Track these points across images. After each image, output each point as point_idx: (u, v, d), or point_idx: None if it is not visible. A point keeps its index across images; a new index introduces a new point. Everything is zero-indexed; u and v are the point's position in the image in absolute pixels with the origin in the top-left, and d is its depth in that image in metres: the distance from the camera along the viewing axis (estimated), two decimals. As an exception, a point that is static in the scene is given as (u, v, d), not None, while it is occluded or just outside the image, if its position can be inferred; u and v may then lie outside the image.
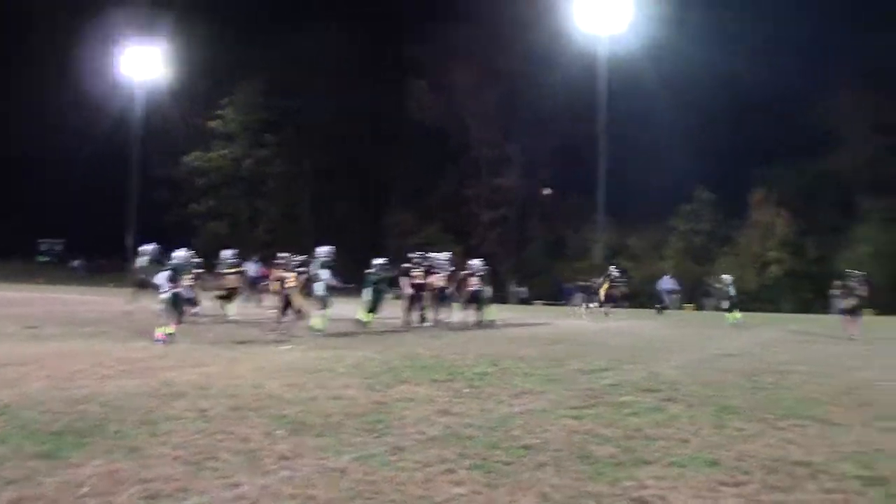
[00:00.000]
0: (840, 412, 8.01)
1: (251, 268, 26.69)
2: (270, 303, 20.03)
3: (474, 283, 20.54)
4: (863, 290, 19.11)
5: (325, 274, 16.79)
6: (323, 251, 17.19)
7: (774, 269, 42.34)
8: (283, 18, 49.55)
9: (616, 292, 26.24)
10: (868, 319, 21.28)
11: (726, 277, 23.96)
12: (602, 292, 25.21)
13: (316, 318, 16.41)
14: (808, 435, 6.84)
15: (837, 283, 20.75)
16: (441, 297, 20.23)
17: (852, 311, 19.19)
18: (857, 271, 19.98)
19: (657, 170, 41.77)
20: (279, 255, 19.81)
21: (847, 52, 41.67)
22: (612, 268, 26.79)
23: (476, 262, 21.16)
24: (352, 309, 18.85)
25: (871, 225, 41.76)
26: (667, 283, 36.50)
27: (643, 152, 42.72)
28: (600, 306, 25.13)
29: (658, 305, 31.74)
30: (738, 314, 23.09)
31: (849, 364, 13.09)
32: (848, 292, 19.32)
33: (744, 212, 45.68)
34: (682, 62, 39.97)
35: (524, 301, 42.25)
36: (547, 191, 51.09)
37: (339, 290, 17.61)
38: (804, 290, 40.72)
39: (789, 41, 40.66)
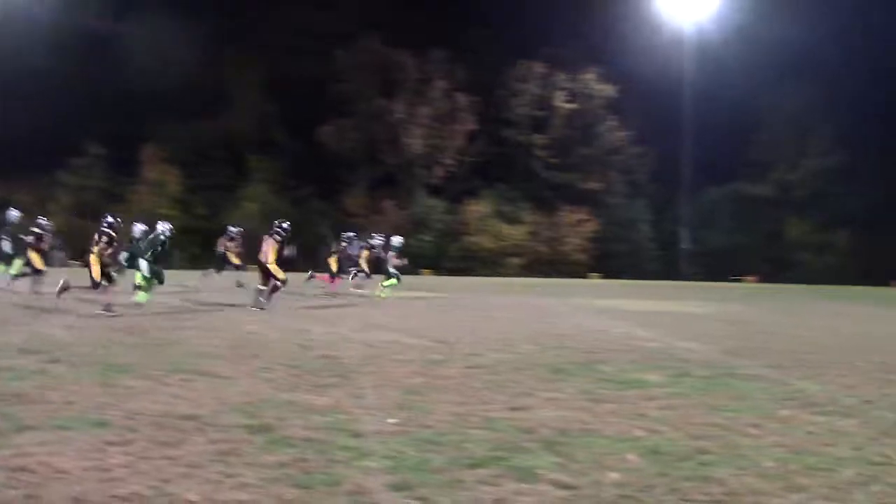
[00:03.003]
0: (228, 366, 8.31)
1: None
2: None
3: None
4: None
5: None
6: None
7: (166, 225, 43.01)
8: None
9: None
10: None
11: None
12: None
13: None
14: (196, 389, 6.91)
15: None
16: None
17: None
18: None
19: (44, 121, 38.87)
20: None
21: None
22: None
23: None
24: None
25: (258, 184, 45.35)
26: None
27: (27, 101, 39.30)
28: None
29: None
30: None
31: (239, 319, 13.87)
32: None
33: (136, 168, 45.56)
34: None
35: None
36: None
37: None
38: (194, 246, 42.16)
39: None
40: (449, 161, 52.82)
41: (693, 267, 51.15)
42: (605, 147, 54.88)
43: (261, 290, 16.04)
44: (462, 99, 52.44)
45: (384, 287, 21.26)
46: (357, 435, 5.51)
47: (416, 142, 51.72)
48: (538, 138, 54.17)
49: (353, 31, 50.37)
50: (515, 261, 50.32)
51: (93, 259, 14.05)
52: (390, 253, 21.53)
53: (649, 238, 54.44)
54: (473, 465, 4.83)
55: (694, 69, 49.56)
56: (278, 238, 16.26)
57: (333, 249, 23.81)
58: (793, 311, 21.09)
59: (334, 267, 22.88)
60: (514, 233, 51.14)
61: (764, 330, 14.69)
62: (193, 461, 4.71)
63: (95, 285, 14.05)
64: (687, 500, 4.27)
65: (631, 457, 5.13)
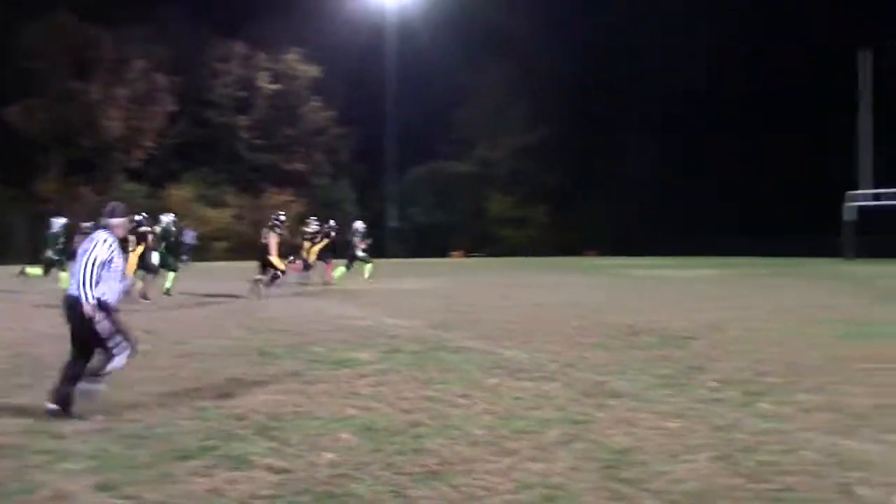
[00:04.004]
0: None
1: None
2: None
3: None
4: None
5: None
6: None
7: None
8: None
9: None
10: None
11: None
12: None
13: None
14: None
15: None
16: None
17: None
18: None
19: None
20: None
21: None
22: None
23: None
24: None
25: None
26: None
27: None
28: None
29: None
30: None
31: None
32: None
33: None
34: None
35: None
36: None
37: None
38: None
39: None
40: (149, 144, 49.92)
41: (400, 244, 52.70)
42: (309, 127, 55.00)
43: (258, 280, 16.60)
44: (162, 79, 49.72)
45: (366, 273, 21.48)
46: (57, 437, 5.10)
47: (113, 124, 48.16)
48: (241, 119, 52.88)
49: (45, 3, 45.65)
50: (221, 245, 48.82)
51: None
52: (355, 238, 21.39)
53: (355, 217, 55.11)
54: (184, 457, 4.65)
55: (396, 49, 50.93)
56: (279, 230, 16.80)
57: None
58: (498, 283, 22.40)
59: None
60: (219, 216, 49.63)
61: (471, 303, 15.40)
62: None
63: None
64: (401, 474, 4.34)
65: (345, 436, 5.16)
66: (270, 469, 4.44)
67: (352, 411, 5.85)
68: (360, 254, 21.38)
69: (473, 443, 4.97)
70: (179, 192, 48.59)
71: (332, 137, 55.85)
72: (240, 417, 5.68)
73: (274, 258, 16.55)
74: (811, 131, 46.39)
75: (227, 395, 6.40)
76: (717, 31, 49.74)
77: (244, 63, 52.99)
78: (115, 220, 6.07)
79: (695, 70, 51.27)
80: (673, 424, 5.44)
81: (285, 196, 50.93)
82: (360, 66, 51.02)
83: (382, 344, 9.34)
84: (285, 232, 17.09)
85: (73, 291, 5.73)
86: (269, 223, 16.99)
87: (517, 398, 6.29)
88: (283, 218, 17.30)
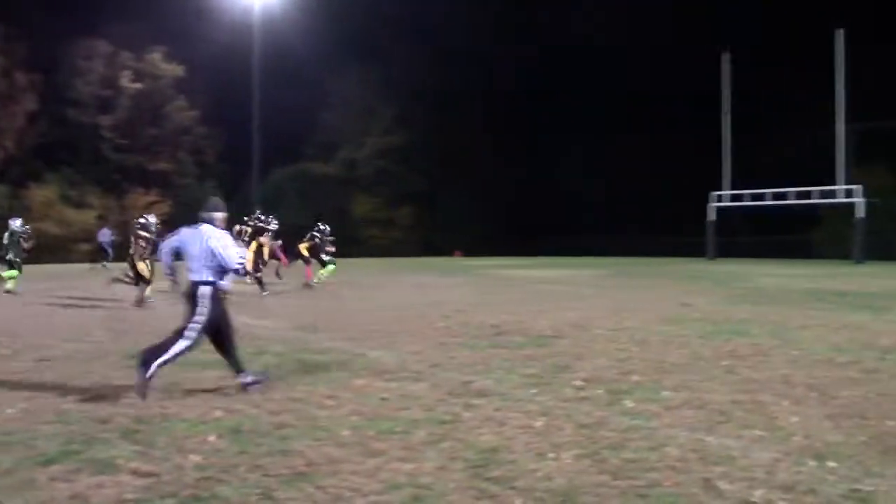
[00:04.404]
0: None
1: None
2: None
3: None
4: None
5: None
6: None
7: None
8: None
9: None
10: None
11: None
12: None
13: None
14: None
15: None
16: None
17: None
18: None
19: None
20: None
21: None
22: None
23: None
24: None
25: None
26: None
27: None
28: None
29: None
30: None
31: None
32: None
33: None
34: None
35: None
36: None
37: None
38: None
39: None
40: (9, 144, 47.13)
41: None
42: (173, 127, 53.55)
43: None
44: (22, 78, 47.07)
45: (324, 274, 21.11)
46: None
47: (-29, 124, 45.27)
48: (105, 119, 50.73)
49: None
50: (84, 247, 46.57)
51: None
52: (326, 239, 21.40)
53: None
54: (46, 463, 4.54)
55: (262, 50, 50.25)
56: (142, 233, 15.90)
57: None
58: (364, 284, 22.45)
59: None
60: (82, 218, 47.41)
61: (336, 304, 15.42)
62: None
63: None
64: (269, 476, 4.36)
65: (212, 438, 5.13)
66: (136, 473, 4.38)
67: (218, 413, 5.81)
68: (326, 257, 21.35)
69: (341, 444, 5.00)
70: (42, 193, 46.31)
71: (198, 138, 54.67)
72: (104, 421, 5.55)
73: (141, 265, 15.42)
74: (682, 132, 48.05)
75: (90, 399, 6.25)
76: (573, 32, 51.73)
77: (107, 62, 51.05)
78: (219, 214, 6.81)
79: (551, 71, 53.18)
80: (539, 423, 5.56)
81: (151, 196, 49.45)
82: (225, 66, 50.22)
83: (248, 346, 9.19)
84: (153, 235, 15.95)
85: (193, 279, 6.56)
86: (136, 227, 15.85)
87: (384, 399, 6.35)
88: (146, 220, 15.80)
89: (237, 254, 6.65)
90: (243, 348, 9.03)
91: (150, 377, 6.30)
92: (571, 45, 51.97)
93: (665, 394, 6.56)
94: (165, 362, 6.41)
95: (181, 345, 6.46)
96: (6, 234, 18.10)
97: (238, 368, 6.78)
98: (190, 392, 6.55)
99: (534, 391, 6.69)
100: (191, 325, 6.50)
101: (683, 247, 46.79)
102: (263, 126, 50.08)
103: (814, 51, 40.67)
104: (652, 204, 50.86)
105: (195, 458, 4.65)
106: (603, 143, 51.90)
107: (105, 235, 36.49)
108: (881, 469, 4.52)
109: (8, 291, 16.99)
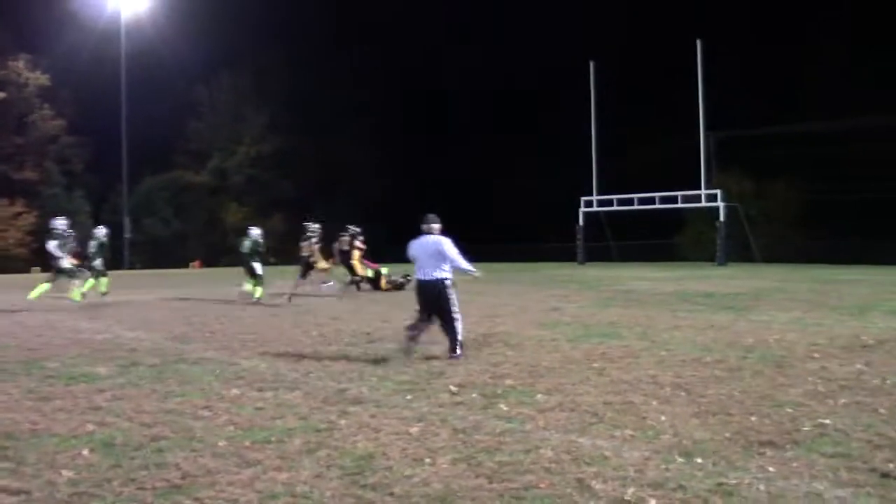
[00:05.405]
0: None
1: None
2: None
3: None
4: None
5: None
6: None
7: None
8: None
9: None
10: None
11: None
12: None
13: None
14: None
15: None
16: None
17: None
18: None
19: None
20: None
21: None
22: None
23: None
24: None
25: None
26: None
27: None
28: None
29: None
30: None
31: None
32: None
33: None
34: None
35: None
36: None
37: None
38: None
39: None
40: None
41: (136, 256, 50.12)
42: (39, 136, 51.29)
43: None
44: None
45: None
46: None
47: None
48: (-35, 128, 48.14)
49: None
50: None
51: None
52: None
53: (93, 228, 51.77)
54: None
55: (129, 57, 48.73)
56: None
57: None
58: (237, 293, 21.99)
59: None
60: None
61: (210, 314, 15.10)
62: None
63: None
64: (144, 489, 4.31)
65: (84, 452, 5.03)
66: (6, 491, 4.26)
67: (91, 427, 5.69)
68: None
69: (217, 455, 4.97)
70: None
71: (65, 147, 52.65)
72: (-31, 439, 5.33)
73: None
74: (552, 139, 49.18)
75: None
76: (437, 36, 53.00)
77: (-31, 69, 48.54)
78: (437, 226, 9.06)
79: (419, 76, 53.80)
80: (415, 429, 5.59)
81: (17, 207, 47.39)
82: (93, 74, 48.60)
83: (120, 357, 9.03)
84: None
85: (429, 278, 8.90)
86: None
87: (259, 408, 6.32)
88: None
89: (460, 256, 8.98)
90: (116, 359, 8.91)
91: (460, 355, 8.68)
92: (442, 49, 52.99)
93: (538, 397, 6.64)
94: (461, 341, 8.85)
95: (458, 324, 8.82)
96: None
97: (452, 346, 8.78)
98: (60, 407, 6.36)
99: (409, 397, 6.74)
100: (452, 309, 8.81)
101: (554, 252, 47.50)
102: (132, 135, 48.72)
103: (678, 60, 42.21)
104: (523, 209, 51.43)
105: (68, 474, 4.56)
106: (478, 147, 52.72)
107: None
108: (744, 463, 4.70)
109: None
